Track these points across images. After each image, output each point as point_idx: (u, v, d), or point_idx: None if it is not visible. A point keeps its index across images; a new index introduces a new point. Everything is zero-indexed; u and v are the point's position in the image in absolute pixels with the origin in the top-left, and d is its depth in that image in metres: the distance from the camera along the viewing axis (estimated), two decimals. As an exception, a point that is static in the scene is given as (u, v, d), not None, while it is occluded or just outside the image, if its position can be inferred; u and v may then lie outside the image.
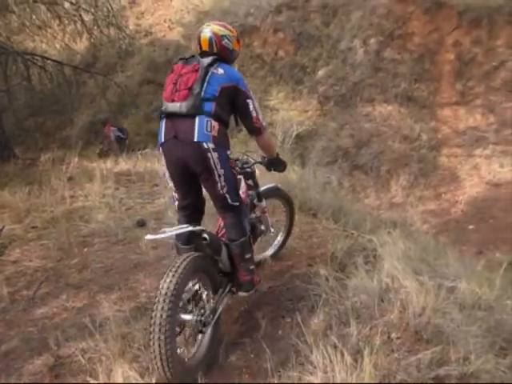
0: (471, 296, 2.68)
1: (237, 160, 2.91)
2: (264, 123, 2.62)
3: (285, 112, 10.44)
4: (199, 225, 2.57)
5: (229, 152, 2.47)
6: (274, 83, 11.31)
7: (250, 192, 2.99)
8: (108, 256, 3.82)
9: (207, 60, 2.40)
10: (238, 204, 2.54)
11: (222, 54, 2.53)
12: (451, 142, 9.50)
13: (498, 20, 9.95)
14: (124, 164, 7.21)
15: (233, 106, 2.49)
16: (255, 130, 2.60)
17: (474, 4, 10.22)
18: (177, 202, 2.61)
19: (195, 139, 2.31)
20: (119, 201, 5.10)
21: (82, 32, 10.21)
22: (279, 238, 3.49)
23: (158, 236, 2.34)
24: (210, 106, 2.36)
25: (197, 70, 2.37)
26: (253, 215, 3.06)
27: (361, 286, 2.80)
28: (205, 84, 2.35)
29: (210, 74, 2.37)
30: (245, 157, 3.06)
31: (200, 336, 2.38)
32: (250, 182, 2.98)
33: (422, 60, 10.52)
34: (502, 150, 8.77)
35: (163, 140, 2.41)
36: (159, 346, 2.05)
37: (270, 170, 3.06)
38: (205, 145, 2.32)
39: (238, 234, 2.54)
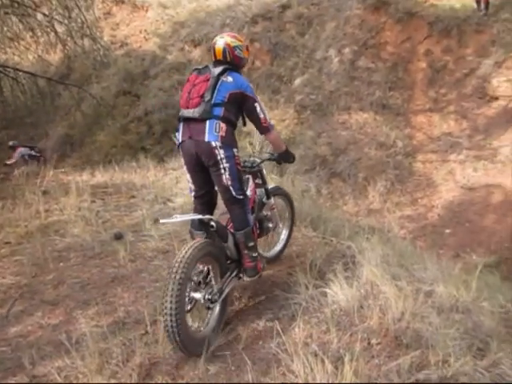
0: (449, 299, 2.73)
1: (245, 161, 3.24)
2: (271, 122, 3.01)
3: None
4: (211, 214, 2.92)
5: (235, 150, 2.80)
6: (251, 93, 11.36)
7: (259, 191, 3.31)
8: (84, 270, 3.74)
9: (218, 70, 2.77)
10: (242, 197, 2.86)
11: (234, 62, 2.91)
12: (426, 148, 9.69)
13: (466, 30, 10.29)
14: (100, 176, 7.10)
15: (241, 109, 2.87)
16: (264, 130, 2.98)
17: (444, 14, 10.57)
18: (193, 193, 2.97)
19: (206, 139, 2.69)
20: (96, 214, 5.00)
21: (56, 43, 10.11)
22: (285, 232, 3.75)
23: (170, 220, 2.83)
24: (220, 111, 2.72)
25: (208, 80, 2.74)
26: (263, 213, 3.36)
27: (340, 293, 2.82)
28: (215, 92, 2.72)
29: (220, 82, 2.74)
30: (251, 158, 3.40)
31: (209, 313, 2.69)
32: (258, 180, 3.31)
33: (395, 68, 10.76)
34: (475, 155, 8.98)
35: (181, 140, 2.81)
36: (170, 316, 2.31)
37: (280, 163, 3.50)
38: (213, 143, 2.69)
39: (242, 225, 2.88)
